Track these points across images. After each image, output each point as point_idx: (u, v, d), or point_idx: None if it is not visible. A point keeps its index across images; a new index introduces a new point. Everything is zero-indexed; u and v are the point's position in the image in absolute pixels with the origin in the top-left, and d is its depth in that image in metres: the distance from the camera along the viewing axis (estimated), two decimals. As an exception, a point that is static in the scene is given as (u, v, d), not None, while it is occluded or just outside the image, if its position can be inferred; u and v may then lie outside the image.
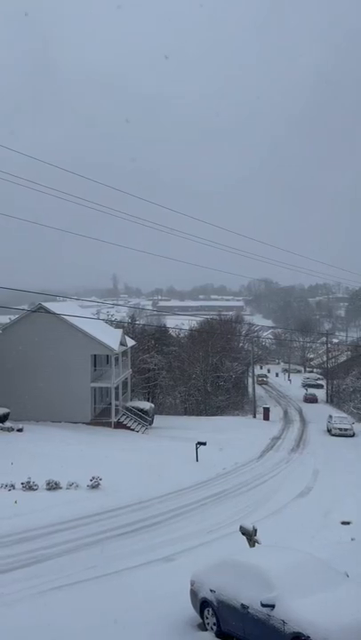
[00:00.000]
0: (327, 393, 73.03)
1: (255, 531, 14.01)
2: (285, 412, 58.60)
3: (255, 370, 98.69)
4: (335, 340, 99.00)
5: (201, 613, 11.24)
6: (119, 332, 43.00)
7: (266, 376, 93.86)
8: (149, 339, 61.16)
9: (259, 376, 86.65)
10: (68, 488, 22.54)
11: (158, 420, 45.49)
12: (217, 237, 35.56)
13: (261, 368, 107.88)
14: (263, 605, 9.42)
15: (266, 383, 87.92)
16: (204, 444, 30.55)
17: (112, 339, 40.23)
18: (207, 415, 55.96)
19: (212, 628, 10.89)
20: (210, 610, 10.93)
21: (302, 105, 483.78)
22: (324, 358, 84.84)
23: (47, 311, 38.56)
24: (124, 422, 40.01)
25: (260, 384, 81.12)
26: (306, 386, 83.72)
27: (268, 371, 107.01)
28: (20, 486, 21.90)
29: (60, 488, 22.42)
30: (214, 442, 34.18)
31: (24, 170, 23.80)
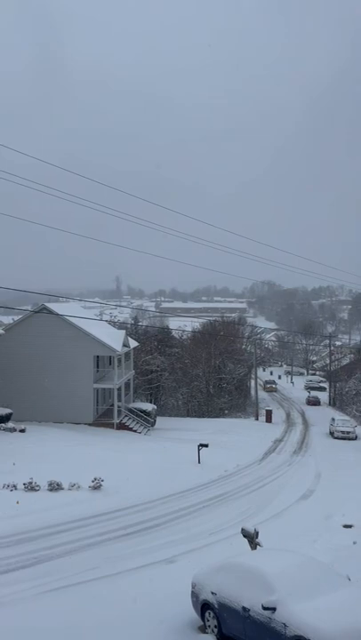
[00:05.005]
0: (330, 396, 72.84)
1: (257, 533, 13.97)
2: (288, 415, 58.48)
3: (263, 374, 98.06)
4: (338, 343, 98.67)
5: (202, 616, 11.23)
6: (122, 333, 43.01)
7: (274, 382, 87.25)
8: (152, 340, 61.19)
9: (267, 382, 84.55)
10: (69, 489, 22.53)
11: (161, 421, 45.47)
12: (220, 239, 35.60)
13: (264, 370, 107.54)
14: (264, 608, 9.41)
15: (275, 390, 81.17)
16: (207, 445, 30.50)
17: (115, 340, 40.23)
18: (210, 417, 55.89)
19: (213, 631, 10.88)
20: (211, 612, 10.92)
21: (309, 109, 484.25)
22: (327, 361, 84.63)
23: (50, 312, 38.59)
24: (127, 423, 39.99)
25: (268, 391, 79.21)
26: (308, 388, 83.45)
27: (271, 373, 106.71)
28: (22, 487, 21.91)
29: (62, 489, 22.42)
30: (216, 444, 34.16)
31: (23, 170, 23.87)
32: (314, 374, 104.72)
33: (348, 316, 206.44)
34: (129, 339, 44.96)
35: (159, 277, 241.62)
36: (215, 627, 10.82)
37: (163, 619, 11.54)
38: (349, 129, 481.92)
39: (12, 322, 47.15)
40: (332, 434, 45.43)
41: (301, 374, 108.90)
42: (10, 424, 34.39)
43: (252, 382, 68.62)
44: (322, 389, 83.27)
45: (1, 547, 16.51)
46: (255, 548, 13.67)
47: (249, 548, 13.91)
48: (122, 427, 39.38)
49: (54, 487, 22.25)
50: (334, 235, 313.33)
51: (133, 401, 48.64)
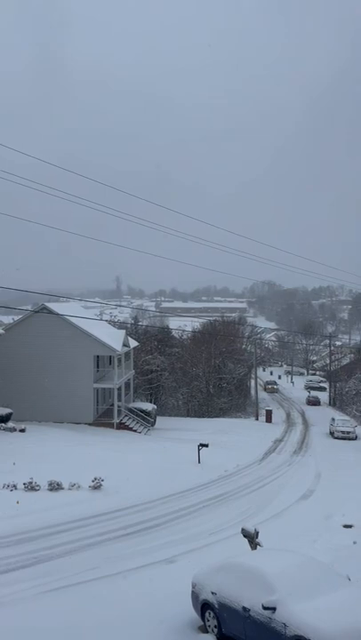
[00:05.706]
0: (330, 396, 72.85)
1: (257, 533, 13.97)
2: (288, 415, 58.49)
3: (263, 374, 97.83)
4: (338, 343, 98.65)
5: (202, 616, 11.24)
6: (122, 332, 43.01)
7: (275, 382, 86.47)
8: (152, 340, 61.18)
9: (268, 382, 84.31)
10: (69, 489, 22.54)
11: (161, 421, 45.47)
12: (220, 239, 35.60)
13: (264, 370, 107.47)
14: (264, 608, 9.41)
15: (276, 391, 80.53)
16: (207, 445, 30.50)
17: (115, 340, 40.23)
18: (210, 417, 55.88)
19: (213, 631, 10.88)
20: (211, 612, 10.92)
21: (309, 109, 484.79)
22: (327, 361, 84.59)
23: (50, 312, 38.58)
24: (127, 423, 39.99)
25: (269, 392, 78.99)
26: (309, 388, 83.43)
27: (271, 373, 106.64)
28: (22, 486, 21.92)
29: (62, 489, 22.42)
30: (216, 444, 34.14)
31: (23, 170, 23.86)
32: (314, 374, 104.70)
33: (348, 316, 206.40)
34: (129, 338, 44.97)
35: (159, 277, 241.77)
36: (215, 627, 10.82)
37: (163, 619, 11.54)
38: (349, 129, 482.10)
39: (12, 322, 47.15)
40: (332, 434, 45.44)
41: (301, 374, 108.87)
42: (10, 424, 34.40)
43: (253, 382, 68.59)
44: (322, 389, 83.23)
45: (1, 547, 16.52)
46: (255, 548, 13.67)
47: (249, 548, 13.91)
48: (122, 426, 39.38)
49: (54, 487, 22.26)
50: (334, 235, 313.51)
51: (133, 401, 48.63)
